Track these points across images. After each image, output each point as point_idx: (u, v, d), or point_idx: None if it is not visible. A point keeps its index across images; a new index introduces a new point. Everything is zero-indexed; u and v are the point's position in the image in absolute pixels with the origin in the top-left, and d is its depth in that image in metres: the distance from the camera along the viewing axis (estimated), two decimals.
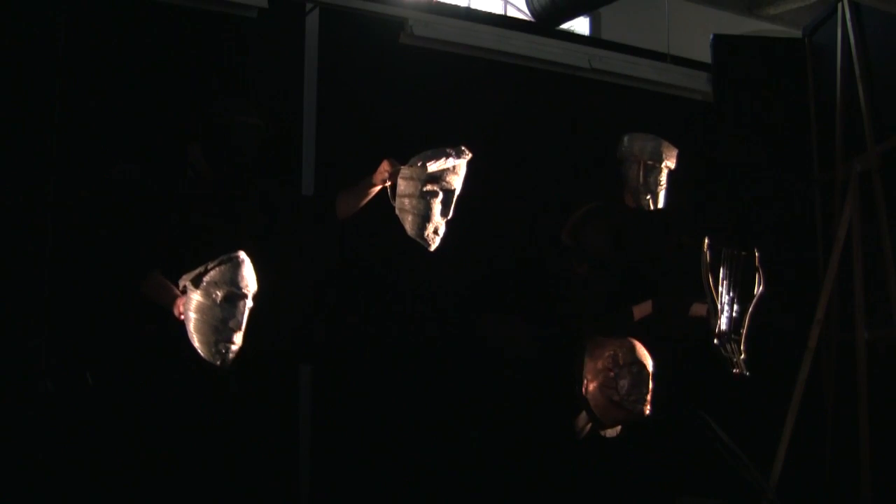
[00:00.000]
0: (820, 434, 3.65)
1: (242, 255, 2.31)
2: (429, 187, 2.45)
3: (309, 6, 3.44)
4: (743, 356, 2.94)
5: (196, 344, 2.27)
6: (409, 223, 2.48)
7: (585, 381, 2.75)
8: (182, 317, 2.33)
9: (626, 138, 3.39)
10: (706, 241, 3.01)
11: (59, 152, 2.87)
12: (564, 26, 4.96)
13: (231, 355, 2.28)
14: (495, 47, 3.76)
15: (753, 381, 3.64)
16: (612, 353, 2.72)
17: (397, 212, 2.50)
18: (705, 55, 4.16)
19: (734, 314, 2.97)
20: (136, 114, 3.02)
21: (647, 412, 2.70)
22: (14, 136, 2.81)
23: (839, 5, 3.72)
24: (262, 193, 2.73)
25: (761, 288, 3.00)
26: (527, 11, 4.96)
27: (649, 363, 2.74)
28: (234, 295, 2.26)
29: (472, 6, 6.27)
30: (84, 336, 2.79)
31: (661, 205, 3.31)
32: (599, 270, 3.24)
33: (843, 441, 3.53)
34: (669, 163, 3.32)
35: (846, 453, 3.46)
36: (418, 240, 2.49)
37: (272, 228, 2.72)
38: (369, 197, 2.63)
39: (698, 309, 3.13)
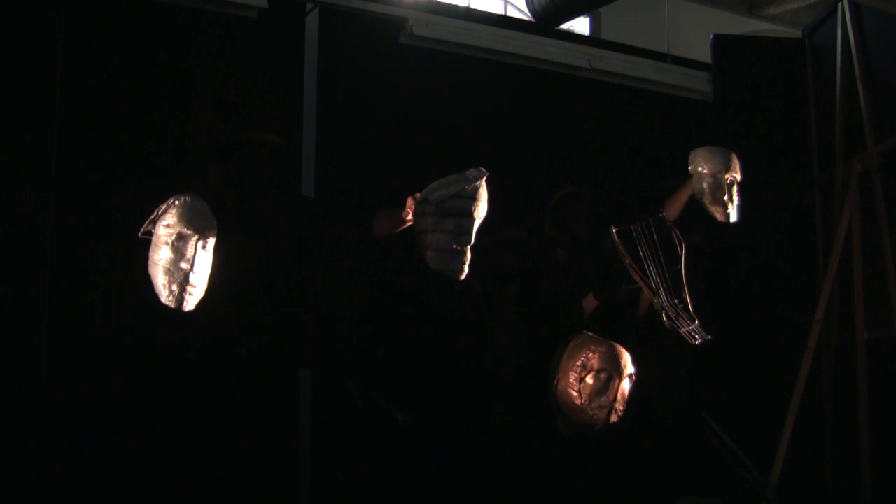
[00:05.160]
0: (820, 434, 3.65)
1: (192, 196, 2.30)
2: (442, 219, 2.37)
3: (309, 6, 3.44)
4: (696, 322, 2.89)
5: (157, 289, 2.27)
6: (429, 258, 2.40)
7: (557, 378, 2.75)
8: None
9: (698, 155, 3.22)
10: (613, 228, 2.95)
11: (59, 152, 2.87)
12: (564, 26, 4.97)
13: (188, 296, 2.25)
14: (495, 47, 3.76)
15: (753, 381, 3.66)
16: (586, 355, 2.72)
17: (419, 248, 2.43)
18: (705, 55, 4.16)
19: (670, 285, 2.91)
20: (136, 114, 3.02)
21: (613, 421, 2.68)
22: (14, 137, 2.81)
23: (839, 5, 3.72)
24: (283, 209, 2.71)
25: (683, 246, 2.96)
26: (527, 11, 4.97)
27: (625, 372, 2.72)
28: (185, 235, 2.25)
29: (472, 6, 6.27)
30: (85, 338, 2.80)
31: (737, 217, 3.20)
32: (579, 252, 3.23)
33: (843, 441, 3.53)
34: (738, 175, 3.22)
35: (846, 453, 3.46)
36: (443, 273, 2.41)
37: (293, 240, 2.71)
38: (400, 228, 2.55)
39: (589, 302, 3.09)
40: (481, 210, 2.42)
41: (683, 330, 2.85)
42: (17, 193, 2.79)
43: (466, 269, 2.41)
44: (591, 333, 2.85)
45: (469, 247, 2.40)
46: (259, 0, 3.21)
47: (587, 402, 2.67)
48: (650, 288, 2.90)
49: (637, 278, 2.94)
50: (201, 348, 2.58)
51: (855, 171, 3.51)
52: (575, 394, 2.69)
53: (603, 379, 2.67)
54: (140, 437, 2.69)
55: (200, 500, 2.61)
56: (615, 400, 2.67)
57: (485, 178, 2.39)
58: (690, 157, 3.23)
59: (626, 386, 2.71)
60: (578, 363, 2.71)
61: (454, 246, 2.38)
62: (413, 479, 3.22)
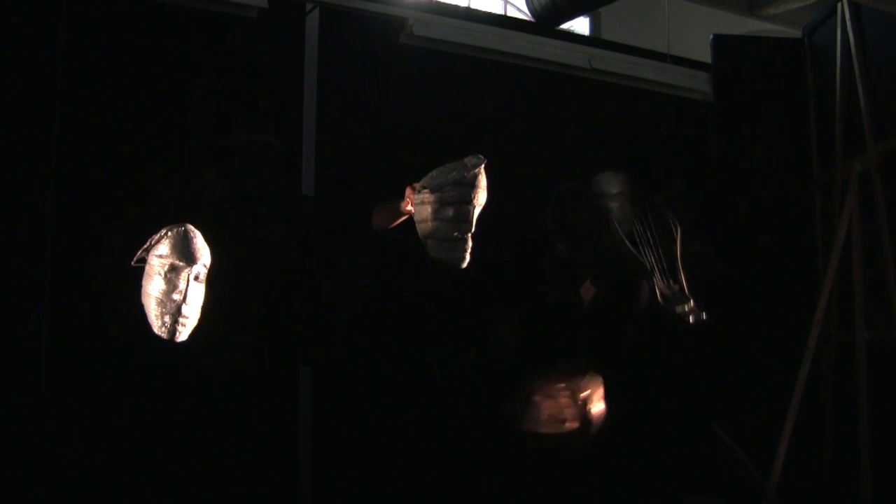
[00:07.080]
0: (820, 434, 3.65)
1: (187, 226, 2.29)
2: (441, 208, 2.34)
3: (309, 6, 3.44)
4: (692, 303, 2.87)
5: (149, 319, 2.26)
6: (430, 248, 2.38)
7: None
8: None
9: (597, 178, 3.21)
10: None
11: (59, 152, 2.87)
12: (564, 26, 4.97)
13: (180, 327, 2.24)
14: (495, 47, 3.76)
15: (753, 381, 3.66)
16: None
17: (421, 238, 2.41)
18: (705, 55, 4.16)
19: (665, 266, 2.90)
20: (136, 114, 3.02)
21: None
22: (14, 137, 2.81)
23: (839, 5, 3.72)
24: (280, 208, 2.71)
25: (679, 228, 2.94)
26: (527, 11, 4.97)
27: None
28: (177, 267, 2.24)
29: (472, 6, 6.27)
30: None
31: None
32: (579, 247, 3.23)
33: (843, 441, 3.53)
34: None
35: (846, 453, 3.46)
36: (445, 262, 2.38)
37: (290, 239, 2.70)
38: (399, 220, 2.55)
39: (587, 289, 3.09)
40: (481, 197, 2.39)
41: (678, 309, 2.83)
42: (17, 194, 2.80)
43: (468, 256, 2.38)
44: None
45: (470, 234, 2.37)
46: (259, 0, 3.21)
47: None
48: (646, 266, 2.86)
49: (633, 252, 2.90)
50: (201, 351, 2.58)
51: (855, 171, 3.51)
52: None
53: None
54: (139, 436, 2.70)
55: (201, 500, 2.60)
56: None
57: (483, 165, 2.36)
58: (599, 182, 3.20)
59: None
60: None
61: (455, 234, 2.34)
62: (413, 478, 3.23)
